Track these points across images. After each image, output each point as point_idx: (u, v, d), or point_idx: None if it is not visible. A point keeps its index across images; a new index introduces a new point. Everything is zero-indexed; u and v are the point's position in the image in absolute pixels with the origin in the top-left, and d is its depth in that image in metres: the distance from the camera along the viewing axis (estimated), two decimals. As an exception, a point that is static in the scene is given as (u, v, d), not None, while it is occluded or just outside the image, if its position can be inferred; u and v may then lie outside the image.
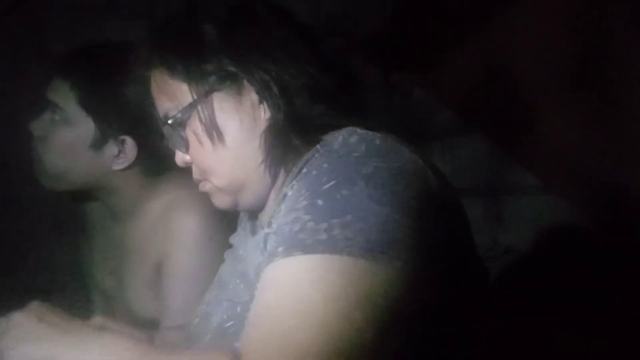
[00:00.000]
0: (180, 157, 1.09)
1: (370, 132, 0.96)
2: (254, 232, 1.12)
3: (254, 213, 1.12)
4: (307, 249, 0.83)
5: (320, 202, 0.87)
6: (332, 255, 0.83)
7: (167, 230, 1.40)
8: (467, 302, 0.94)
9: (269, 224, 0.99)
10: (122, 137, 1.40)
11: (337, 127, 1.00)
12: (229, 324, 1.00)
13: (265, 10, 1.06)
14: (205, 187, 1.08)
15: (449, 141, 2.10)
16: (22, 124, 1.44)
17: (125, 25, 1.85)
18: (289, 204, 0.91)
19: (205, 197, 1.10)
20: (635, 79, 1.72)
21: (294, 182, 0.93)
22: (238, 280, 1.04)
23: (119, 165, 1.42)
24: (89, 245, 1.61)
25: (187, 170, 1.10)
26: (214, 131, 1.02)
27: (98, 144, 1.40)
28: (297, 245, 0.84)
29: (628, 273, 1.71)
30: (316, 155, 0.95)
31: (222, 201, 1.08)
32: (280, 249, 0.86)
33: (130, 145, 1.40)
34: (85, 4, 1.89)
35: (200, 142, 1.03)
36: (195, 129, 1.03)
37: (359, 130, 0.97)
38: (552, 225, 1.93)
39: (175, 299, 1.38)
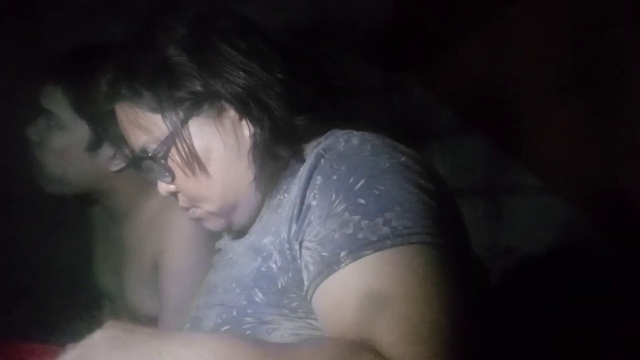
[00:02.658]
0: (164, 188, 1.05)
1: (367, 133, 0.97)
2: (240, 235, 1.10)
3: None
4: (376, 246, 0.84)
5: (362, 200, 0.87)
6: (402, 247, 0.84)
7: (163, 228, 1.41)
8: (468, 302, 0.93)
9: (270, 231, 0.97)
10: (116, 138, 1.40)
11: (321, 133, 1.00)
12: (225, 328, 0.97)
13: (227, 22, 1.02)
14: (196, 213, 1.05)
15: (449, 141, 2.10)
16: (22, 126, 1.45)
17: (125, 25, 1.85)
18: (320, 213, 0.89)
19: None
20: (635, 80, 1.71)
21: (315, 192, 0.91)
22: (234, 285, 1.01)
23: (116, 166, 1.42)
24: (90, 245, 1.62)
25: None
26: (195, 162, 0.98)
27: (93, 147, 1.41)
28: (364, 245, 0.85)
29: (628, 273, 1.71)
30: (322, 161, 0.93)
31: (216, 224, 1.06)
32: (342, 254, 0.85)
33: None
34: (85, 4, 1.89)
35: (185, 173, 1.00)
36: (178, 160, 0.99)
37: (355, 132, 0.97)
38: (552, 225, 1.93)
39: (172, 296, 1.39)
